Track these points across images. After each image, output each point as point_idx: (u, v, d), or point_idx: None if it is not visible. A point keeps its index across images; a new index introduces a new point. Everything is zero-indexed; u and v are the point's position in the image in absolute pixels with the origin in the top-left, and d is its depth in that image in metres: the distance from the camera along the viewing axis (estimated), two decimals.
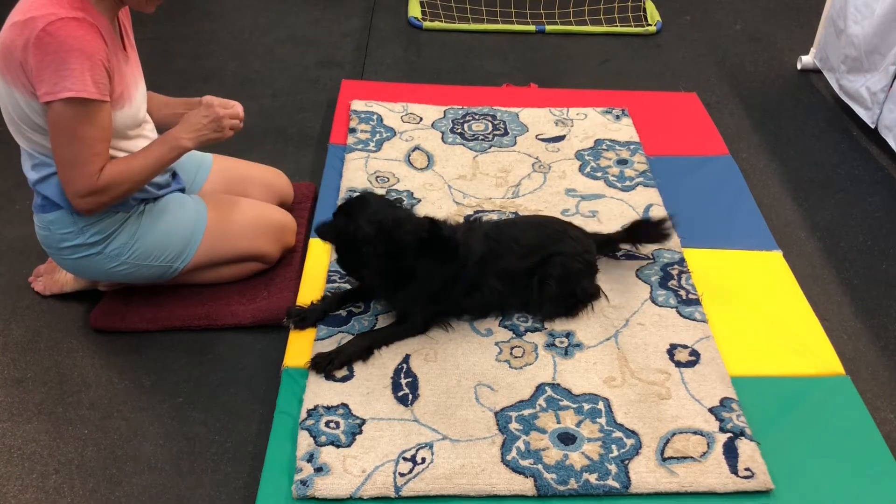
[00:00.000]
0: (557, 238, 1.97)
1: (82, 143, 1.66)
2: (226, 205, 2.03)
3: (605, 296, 2.02)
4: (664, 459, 1.63)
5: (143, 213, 1.90)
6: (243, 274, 2.08)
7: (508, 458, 1.63)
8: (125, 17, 1.83)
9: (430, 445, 1.65)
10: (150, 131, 1.92)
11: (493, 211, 2.32)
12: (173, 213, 1.93)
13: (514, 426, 1.69)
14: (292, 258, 2.17)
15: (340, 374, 1.80)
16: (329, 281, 2.04)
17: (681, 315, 1.99)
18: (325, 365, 1.79)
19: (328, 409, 1.72)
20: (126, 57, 1.79)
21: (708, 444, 1.67)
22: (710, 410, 1.74)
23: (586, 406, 1.75)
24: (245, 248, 2.03)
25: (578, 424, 1.70)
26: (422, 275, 1.84)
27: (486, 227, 1.97)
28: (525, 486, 1.58)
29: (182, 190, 2.03)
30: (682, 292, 2.05)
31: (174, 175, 2.02)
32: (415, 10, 3.61)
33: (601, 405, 1.75)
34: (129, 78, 1.78)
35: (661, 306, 2.01)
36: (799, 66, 3.29)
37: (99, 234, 1.84)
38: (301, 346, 1.87)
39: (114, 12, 1.73)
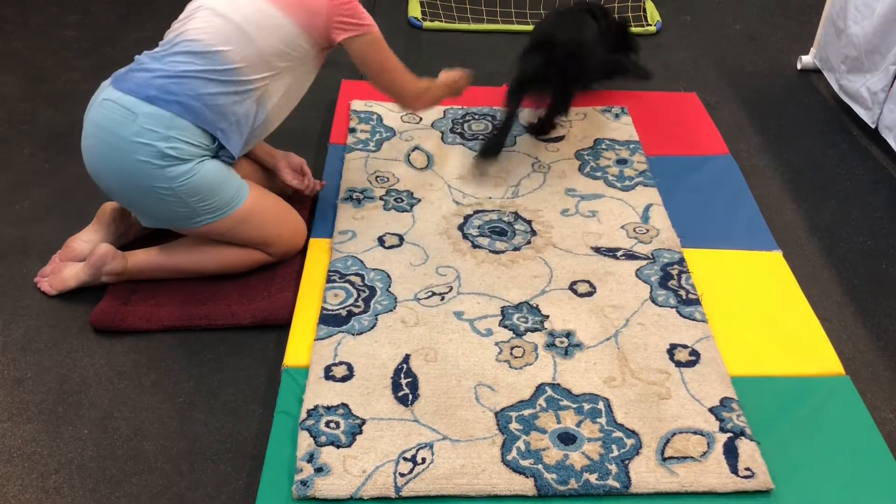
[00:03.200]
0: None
1: (388, 59, 2.16)
2: (263, 192, 2.11)
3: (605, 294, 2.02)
4: (664, 459, 1.64)
5: (208, 159, 1.95)
6: (246, 262, 2.09)
7: (509, 458, 1.63)
8: None
9: (430, 445, 1.65)
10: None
11: (493, 210, 2.32)
12: (229, 172, 2.00)
13: (514, 426, 1.69)
14: (292, 258, 2.17)
15: (340, 373, 1.80)
16: (329, 281, 2.05)
17: (681, 315, 1.99)
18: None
19: (328, 409, 1.72)
20: None
21: (708, 443, 1.67)
22: (710, 410, 1.75)
23: (586, 406, 1.75)
24: (264, 235, 2.06)
25: (579, 424, 1.70)
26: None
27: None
28: (525, 486, 1.58)
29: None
30: (682, 292, 2.05)
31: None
32: (415, 10, 3.61)
33: (601, 405, 1.75)
34: None
35: (661, 306, 2.01)
36: (799, 66, 3.29)
37: (176, 151, 1.86)
38: (301, 346, 1.87)
39: None
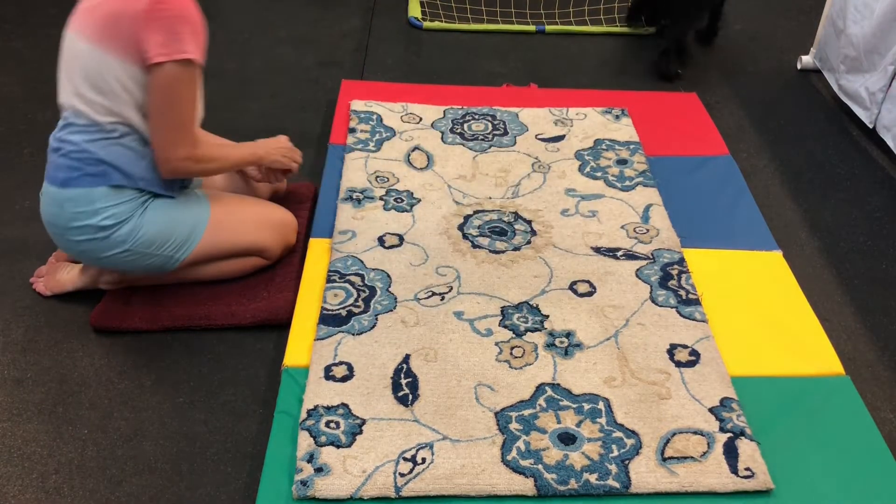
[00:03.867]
0: None
1: (186, 105, 1.79)
2: (228, 200, 2.07)
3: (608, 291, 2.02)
4: (664, 459, 1.64)
5: (150, 203, 1.91)
6: (245, 269, 2.08)
7: (509, 458, 1.63)
8: None
9: (430, 445, 1.65)
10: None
11: (493, 210, 2.32)
12: (178, 204, 1.95)
13: (514, 426, 1.69)
14: (292, 258, 2.17)
15: (340, 373, 1.80)
16: (329, 281, 2.05)
17: (681, 315, 1.99)
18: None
19: (328, 409, 1.72)
20: None
21: (708, 444, 1.67)
22: (710, 410, 1.75)
23: (586, 406, 1.75)
24: (247, 242, 2.03)
25: (579, 424, 1.70)
26: None
27: None
28: (525, 486, 1.58)
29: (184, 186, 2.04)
30: (682, 292, 2.05)
31: None
32: (415, 10, 3.61)
33: (601, 405, 1.75)
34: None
35: (661, 306, 2.01)
36: (799, 66, 3.29)
37: (112, 218, 1.85)
38: (301, 346, 1.87)
39: None
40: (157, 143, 1.82)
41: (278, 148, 2.13)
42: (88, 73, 1.76)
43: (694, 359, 1.87)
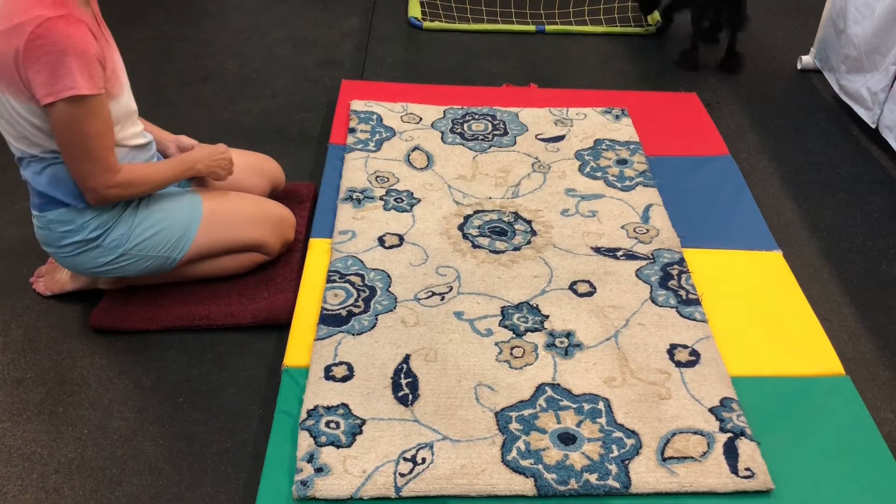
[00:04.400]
0: None
1: (92, 139, 1.69)
2: (220, 195, 2.06)
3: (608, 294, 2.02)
4: (664, 459, 1.64)
5: (139, 204, 1.91)
6: (245, 266, 2.08)
7: (509, 458, 1.63)
8: (94, 1, 1.80)
9: (430, 446, 1.65)
10: (140, 125, 1.94)
11: (493, 211, 2.32)
12: (168, 203, 1.95)
13: (514, 426, 1.69)
14: (292, 258, 2.17)
15: (340, 373, 1.80)
16: (329, 281, 2.05)
17: (681, 315, 1.99)
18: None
19: (328, 409, 1.72)
20: (108, 44, 1.79)
21: (708, 444, 1.67)
22: (711, 410, 1.74)
23: (586, 406, 1.75)
24: (243, 237, 2.03)
25: (579, 424, 1.70)
26: None
27: None
28: (525, 486, 1.58)
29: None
30: (682, 292, 2.05)
31: None
32: (415, 10, 3.61)
33: (601, 405, 1.75)
34: (117, 64, 1.81)
35: (661, 306, 2.01)
36: (799, 66, 3.29)
37: (98, 228, 1.85)
38: (301, 347, 1.87)
39: (87, 2, 1.72)
40: (75, 177, 1.76)
41: (216, 159, 2.02)
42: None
43: (694, 359, 1.87)
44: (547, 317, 1.97)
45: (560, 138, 2.67)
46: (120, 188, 1.79)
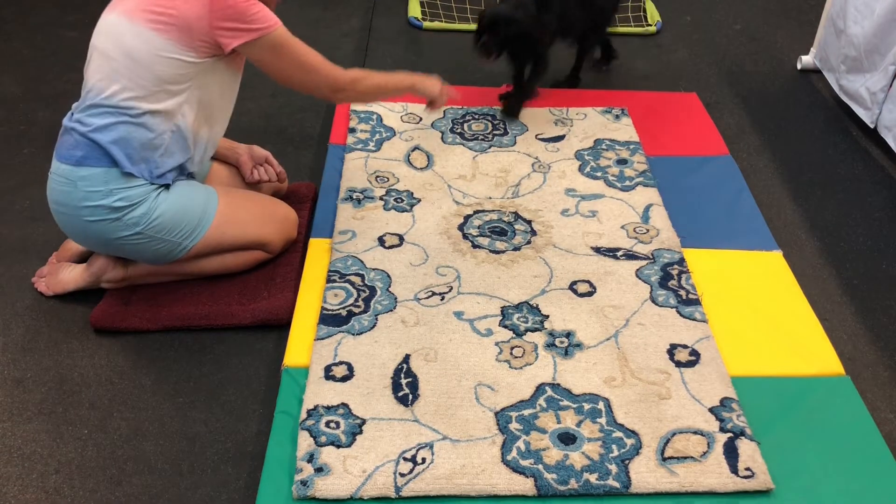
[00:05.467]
0: None
1: (306, 53, 2.01)
2: (234, 193, 2.10)
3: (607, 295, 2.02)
4: (664, 459, 1.64)
5: (165, 189, 1.93)
6: (247, 263, 2.09)
7: (509, 458, 1.63)
8: None
9: (430, 445, 1.65)
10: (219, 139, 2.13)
11: (493, 210, 2.32)
12: (189, 191, 1.98)
13: (514, 426, 1.69)
14: (292, 258, 2.17)
15: (340, 373, 1.80)
16: (329, 281, 2.05)
17: (681, 315, 1.99)
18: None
19: (328, 409, 1.72)
20: None
21: (708, 444, 1.67)
22: (711, 410, 1.75)
23: (586, 406, 1.75)
24: (251, 235, 2.05)
25: (579, 424, 1.70)
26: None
27: None
28: (525, 486, 1.58)
29: (191, 176, 2.06)
30: (682, 292, 2.05)
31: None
32: (415, 10, 3.61)
33: (601, 405, 1.75)
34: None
35: (661, 306, 2.01)
36: (799, 66, 3.29)
37: (124, 200, 1.85)
38: (301, 346, 1.87)
39: None
40: (312, 93, 2.09)
41: (434, 83, 2.33)
42: (133, 56, 1.80)
43: (694, 359, 1.87)
44: (547, 317, 1.97)
45: (560, 138, 2.67)
46: (351, 85, 2.09)
